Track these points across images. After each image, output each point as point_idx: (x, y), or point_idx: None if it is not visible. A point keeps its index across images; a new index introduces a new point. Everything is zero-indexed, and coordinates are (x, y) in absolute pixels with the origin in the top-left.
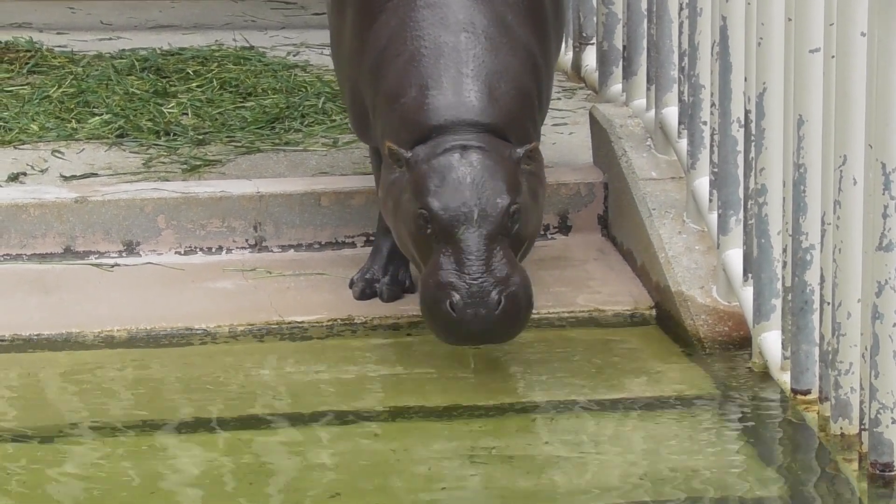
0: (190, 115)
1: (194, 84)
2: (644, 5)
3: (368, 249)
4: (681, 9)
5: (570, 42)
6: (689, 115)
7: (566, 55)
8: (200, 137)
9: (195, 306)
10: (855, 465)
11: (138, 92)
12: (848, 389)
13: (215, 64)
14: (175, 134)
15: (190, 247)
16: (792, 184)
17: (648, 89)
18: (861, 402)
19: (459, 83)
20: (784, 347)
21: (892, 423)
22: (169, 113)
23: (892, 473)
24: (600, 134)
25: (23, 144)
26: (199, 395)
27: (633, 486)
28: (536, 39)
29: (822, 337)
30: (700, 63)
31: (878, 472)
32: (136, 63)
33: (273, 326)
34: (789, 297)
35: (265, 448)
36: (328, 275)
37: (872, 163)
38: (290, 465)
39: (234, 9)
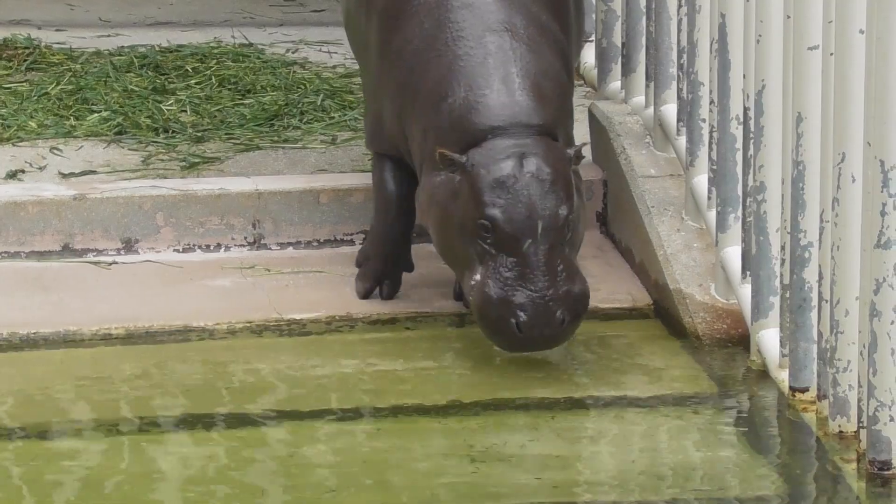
0: (188, 113)
1: (193, 81)
2: (643, 2)
3: None
4: (680, 6)
5: None
6: (687, 112)
7: None
8: (199, 135)
9: (194, 304)
10: (853, 463)
11: (137, 89)
12: (846, 387)
13: (214, 61)
14: (174, 131)
15: (188, 244)
16: (791, 181)
17: (647, 86)
18: (859, 400)
19: (511, 83)
20: (782, 345)
21: (891, 420)
22: (167, 110)
23: (890, 471)
24: (599, 131)
25: (21, 142)
26: (197, 392)
27: (630, 483)
28: (566, 38)
29: (820, 334)
30: (699, 60)
31: (876, 469)
32: (135, 60)
33: (271, 324)
34: (788, 295)
35: (263, 445)
36: (327, 272)
37: (871, 160)
38: (288, 461)
39: (233, 6)
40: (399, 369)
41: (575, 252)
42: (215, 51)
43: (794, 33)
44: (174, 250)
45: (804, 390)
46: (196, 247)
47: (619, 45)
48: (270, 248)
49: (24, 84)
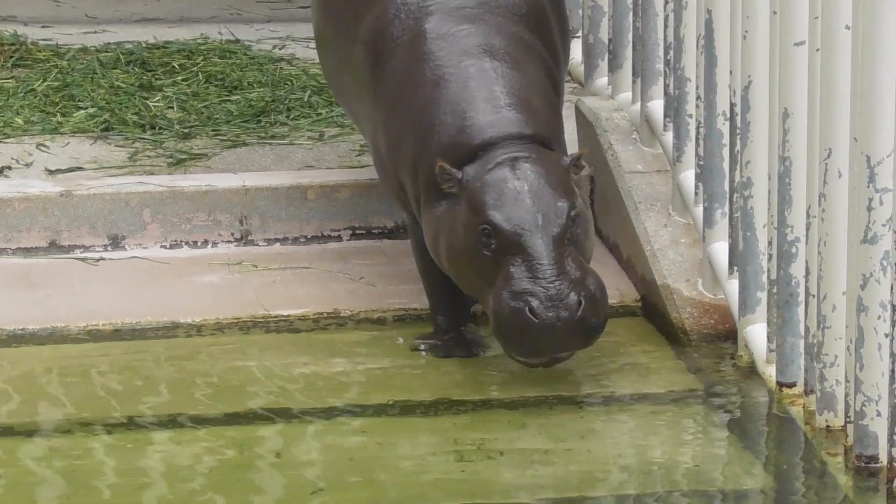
0: (175, 109)
1: (180, 78)
2: None
3: (354, 243)
4: (666, 2)
5: None
6: (674, 108)
7: None
8: (186, 131)
9: (181, 300)
10: (840, 458)
11: (123, 85)
12: (833, 382)
13: (201, 57)
14: (160, 128)
15: (175, 240)
16: (777, 177)
17: (634, 82)
18: (846, 395)
19: (496, 100)
20: (769, 340)
21: (877, 415)
22: (154, 106)
23: (877, 466)
24: (586, 127)
25: (7, 138)
26: (184, 388)
27: (618, 478)
28: (551, 55)
29: (807, 330)
30: (685, 56)
31: (863, 464)
32: (122, 56)
33: (259, 320)
34: (774, 290)
35: (250, 442)
36: (314, 268)
37: (857, 156)
38: (275, 459)
39: (220, 2)
40: (386, 366)
41: (585, 256)
42: (202, 47)
43: (781, 29)
44: (161, 246)
45: (791, 385)
46: (183, 243)
47: (606, 41)
48: (258, 245)
49: (10, 81)
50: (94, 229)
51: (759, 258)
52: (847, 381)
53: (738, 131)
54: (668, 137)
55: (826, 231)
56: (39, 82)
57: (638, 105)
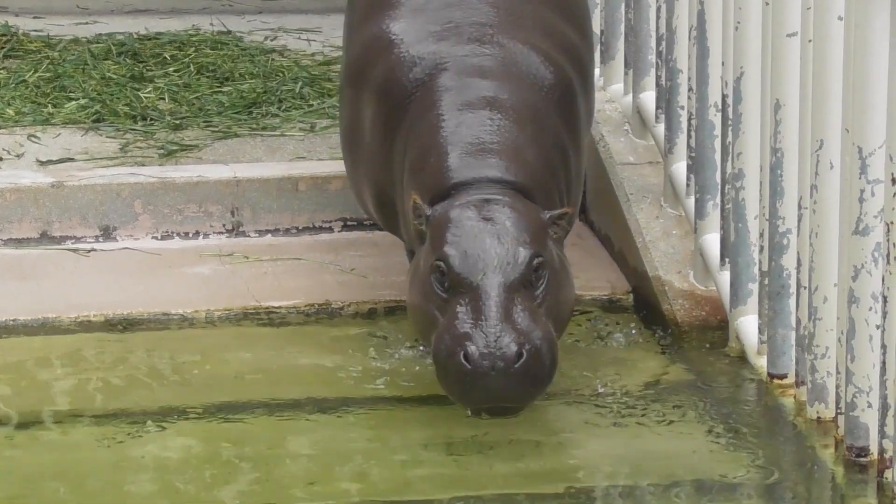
0: (167, 100)
1: (171, 69)
2: None
3: (346, 234)
4: None
5: None
6: (666, 99)
7: None
8: (177, 122)
9: (172, 291)
10: (831, 449)
11: (115, 77)
12: (824, 373)
13: (192, 48)
14: (152, 119)
15: (167, 232)
16: (769, 168)
17: (626, 74)
18: (837, 386)
19: (482, 145)
20: (761, 332)
21: (868, 406)
22: (146, 98)
23: (868, 457)
24: None
25: None
26: (175, 380)
27: (608, 470)
28: (567, 130)
29: (798, 321)
30: (678, 47)
31: (853, 455)
32: (113, 48)
33: (250, 311)
34: (766, 282)
35: (242, 434)
36: (305, 260)
37: (849, 147)
38: (267, 451)
39: None
40: (377, 359)
41: (552, 316)
42: (193, 38)
43: (773, 20)
44: (152, 238)
45: (782, 377)
46: (174, 234)
47: (598, 32)
48: (249, 236)
49: (1, 72)
50: (86, 220)
51: (751, 249)
52: (838, 372)
53: (729, 123)
54: (660, 129)
55: (818, 222)
56: (31, 73)
57: (630, 96)
